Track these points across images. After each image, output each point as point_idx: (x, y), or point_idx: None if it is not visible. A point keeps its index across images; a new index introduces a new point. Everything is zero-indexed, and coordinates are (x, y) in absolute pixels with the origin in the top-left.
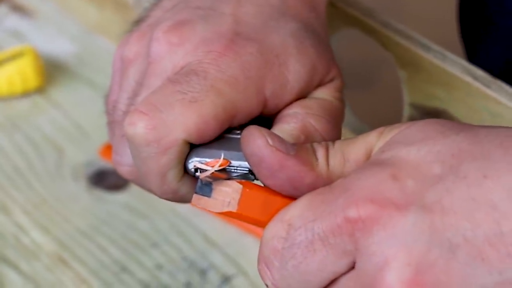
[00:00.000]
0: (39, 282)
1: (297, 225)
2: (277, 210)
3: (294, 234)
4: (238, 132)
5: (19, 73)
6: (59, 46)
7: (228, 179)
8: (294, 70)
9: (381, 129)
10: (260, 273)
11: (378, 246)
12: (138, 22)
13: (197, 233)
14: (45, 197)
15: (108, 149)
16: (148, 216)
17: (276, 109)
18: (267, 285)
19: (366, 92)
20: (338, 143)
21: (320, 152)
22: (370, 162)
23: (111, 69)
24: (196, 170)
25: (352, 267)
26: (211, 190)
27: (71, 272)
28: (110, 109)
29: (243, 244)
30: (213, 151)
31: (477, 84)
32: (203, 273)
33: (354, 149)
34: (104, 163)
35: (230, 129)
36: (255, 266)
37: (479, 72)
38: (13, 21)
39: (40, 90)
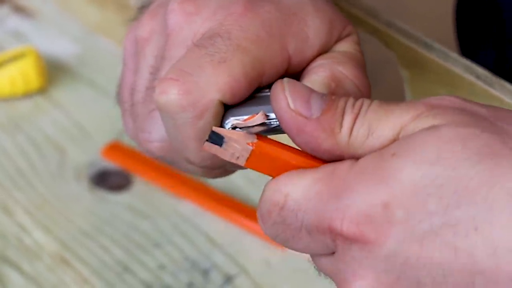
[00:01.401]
0: (41, 282)
1: (290, 207)
2: (285, 171)
3: (287, 215)
4: (267, 91)
5: (21, 74)
6: (61, 47)
7: (267, 131)
8: (313, 26)
9: (420, 109)
10: (258, 216)
11: (352, 260)
12: (142, 8)
13: (199, 233)
14: (47, 198)
15: (110, 149)
16: (150, 217)
17: (300, 66)
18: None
19: None
20: (371, 113)
21: (348, 119)
22: (375, 166)
23: (112, 70)
24: (234, 129)
25: (333, 252)
26: (222, 143)
27: (73, 273)
28: (126, 97)
29: (245, 244)
30: (248, 108)
31: (480, 84)
32: (205, 273)
33: (383, 125)
34: (106, 163)
35: (259, 89)
36: (257, 266)
37: (482, 72)
38: (15, 22)
39: (42, 90)
